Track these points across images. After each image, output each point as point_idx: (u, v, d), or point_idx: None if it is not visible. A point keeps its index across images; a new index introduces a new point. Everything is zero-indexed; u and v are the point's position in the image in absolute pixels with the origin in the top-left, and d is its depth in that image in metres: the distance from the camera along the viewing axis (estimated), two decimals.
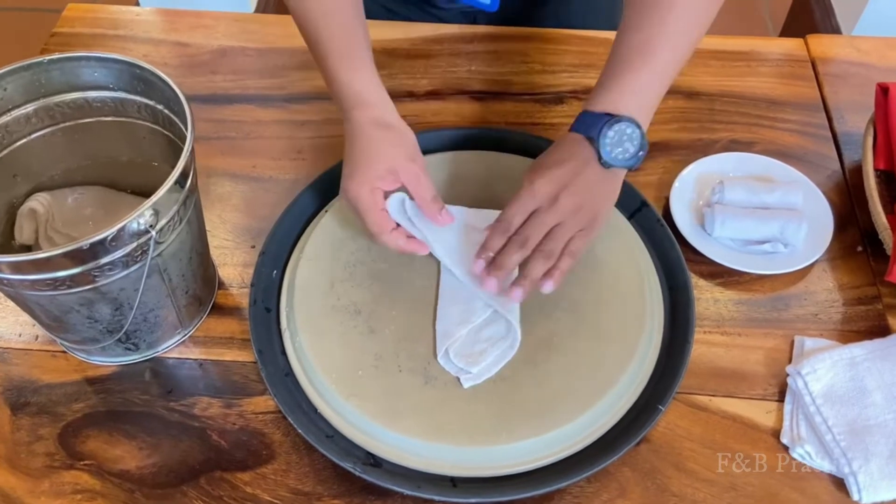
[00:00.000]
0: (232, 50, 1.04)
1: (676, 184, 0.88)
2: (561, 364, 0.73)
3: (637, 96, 0.74)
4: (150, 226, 0.61)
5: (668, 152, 0.93)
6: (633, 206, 0.85)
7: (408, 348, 0.74)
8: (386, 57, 1.03)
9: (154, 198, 0.61)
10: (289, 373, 0.75)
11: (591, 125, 0.73)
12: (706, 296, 0.81)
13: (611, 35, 0.78)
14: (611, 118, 0.72)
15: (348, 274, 0.79)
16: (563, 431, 0.69)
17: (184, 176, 0.65)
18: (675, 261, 0.81)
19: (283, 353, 0.77)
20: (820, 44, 1.03)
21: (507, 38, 1.05)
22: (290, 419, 0.70)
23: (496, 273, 0.73)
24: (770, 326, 0.79)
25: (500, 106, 0.98)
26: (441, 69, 1.02)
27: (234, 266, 0.84)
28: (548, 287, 0.71)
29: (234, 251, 0.85)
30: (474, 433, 0.69)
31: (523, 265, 0.72)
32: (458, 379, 0.72)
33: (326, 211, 0.84)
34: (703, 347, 0.78)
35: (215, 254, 0.84)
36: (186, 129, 0.66)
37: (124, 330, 0.69)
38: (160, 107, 0.73)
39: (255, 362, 0.75)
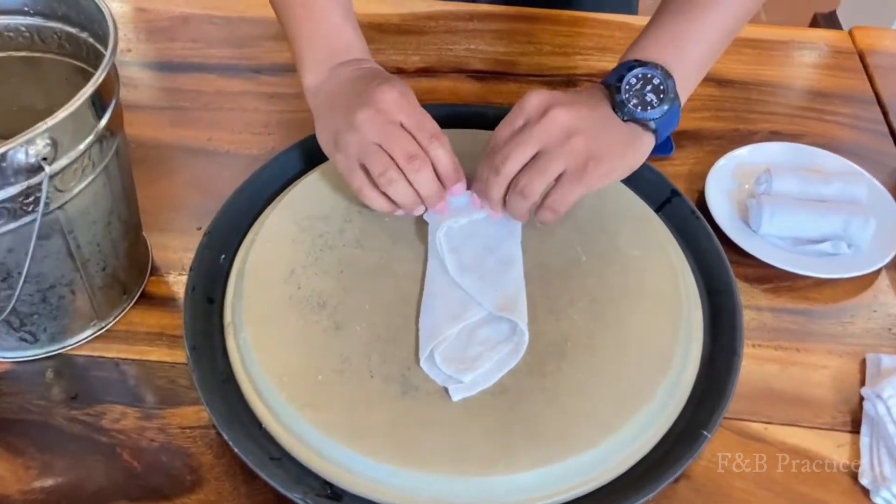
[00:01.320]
0: (195, 17, 0.91)
1: (712, 174, 0.74)
2: (577, 377, 0.57)
3: (674, 48, 0.61)
4: (44, 159, 0.46)
5: (698, 142, 0.79)
6: (662, 197, 0.71)
7: (382, 350, 0.58)
8: (373, 32, 0.89)
9: (52, 120, 0.46)
10: (229, 378, 0.59)
11: (614, 72, 0.61)
12: (752, 303, 0.66)
13: (631, 19, 0.65)
14: (635, 63, 0.60)
15: (313, 259, 0.64)
16: (578, 461, 0.53)
17: (101, 99, 0.50)
18: (715, 258, 0.66)
19: (225, 353, 0.61)
20: (867, 35, 0.91)
21: (511, 17, 0.92)
22: (225, 435, 0.53)
23: (489, 205, 0.63)
24: (834, 342, 0.64)
25: (503, 86, 0.84)
26: (436, 46, 0.88)
27: (174, 250, 0.68)
28: (539, 225, 0.62)
29: (177, 233, 0.70)
30: (464, 460, 0.53)
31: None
32: (446, 390, 0.56)
33: (295, 187, 0.70)
34: (753, 364, 0.62)
35: (153, 235, 0.69)
36: (108, 33, 0.51)
37: (12, 305, 0.53)
38: (85, 35, 0.58)
39: (186, 364, 0.59)
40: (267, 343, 0.58)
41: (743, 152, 0.75)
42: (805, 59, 0.89)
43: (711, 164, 0.74)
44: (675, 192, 0.71)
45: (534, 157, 0.59)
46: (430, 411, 0.55)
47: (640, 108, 0.60)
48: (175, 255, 0.68)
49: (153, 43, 0.88)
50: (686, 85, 0.61)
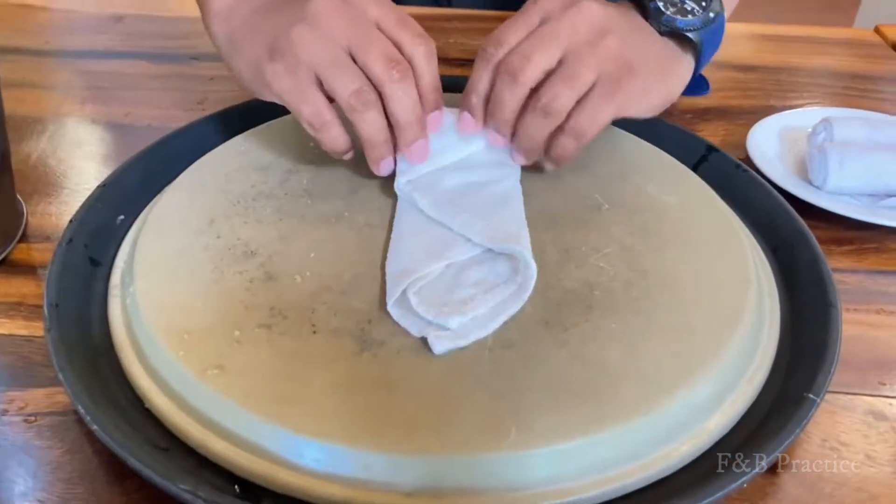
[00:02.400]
0: (130, 16, 0.79)
1: (752, 135, 0.59)
2: (612, 330, 0.39)
3: None
4: None
5: (727, 117, 0.65)
6: (695, 157, 0.56)
7: (332, 301, 0.40)
8: None
9: None
10: (104, 352, 0.41)
11: None
12: (832, 267, 0.49)
13: None
14: None
15: (242, 209, 0.47)
16: (625, 433, 0.34)
17: None
18: (775, 209, 0.50)
19: (104, 322, 0.42)
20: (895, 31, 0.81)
21: (492, 19, 0.81)
22: (86, 417, 0.34)
23: (494, 125, 0.47)
24: None
25: None
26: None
27: (56, 215, 0.51)
28: (549, 166, 0.48)
29: (64, 200, 0.53)
30: (453, 432, 0.34)
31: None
32: (424, 341, 0.38)
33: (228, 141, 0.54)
34: (855, 330, 0.45)
35: (34, 200, 0.52)
36: None
37: None
38: None
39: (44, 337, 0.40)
40: (163, 298, 0.40)
41: (786, 116, 0.62)
42: (833, 49, 0.78)
43: (745, 135, 0.60)
44: (711, 148, 0.56)
45: (557, 64, 0.44)
46: (402, 372, 0.37)
47: (679, 15, 0.48)
48: (57, 221, 0.51)
49: (77, 36, 0.75)
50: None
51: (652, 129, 0.57)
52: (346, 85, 0.43)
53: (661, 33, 0.49)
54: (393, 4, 0.46)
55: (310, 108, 0.45)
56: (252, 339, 0.38)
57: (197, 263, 0.43)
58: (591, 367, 0.37)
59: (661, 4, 0.48)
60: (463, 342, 0.38)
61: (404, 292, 0.40)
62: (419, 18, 0.79)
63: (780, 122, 0.61)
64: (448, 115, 0.48)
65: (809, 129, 0.57)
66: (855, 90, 0.70)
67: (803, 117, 0.60)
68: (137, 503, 0.34)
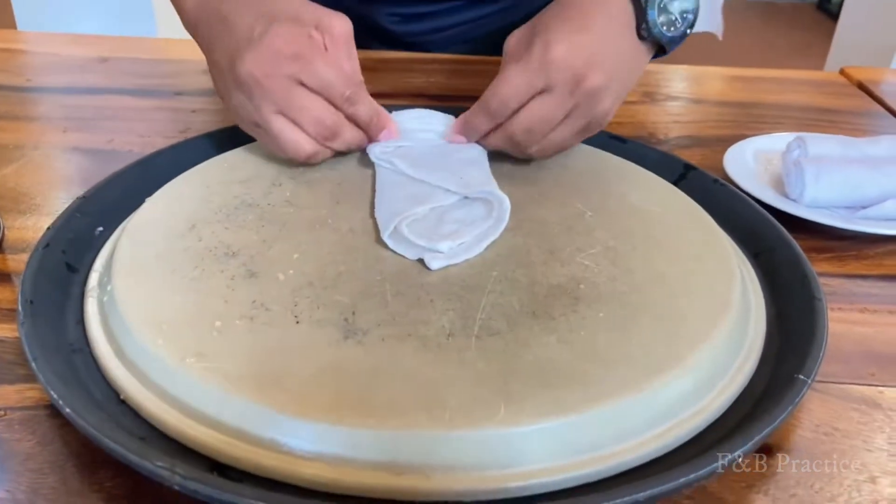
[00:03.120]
0: (115, 59, 0.80)
1: (729, 156, 0.60)
2: (600, 318, 0.39)
3: None
4: None
5: (702, 145, 0.67)
6: (674, 176, 0.57)
7: (315, 296, 0.40)
8: None
9: None
10: (80, 348, 0.39)
11: None
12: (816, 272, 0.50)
13: None
14: None
15: (224, 216, 0.47)
16: (617, 411, 0.34)
17: None
18: (754, 218, 0.51)
19: (79, 322, 0.41)
20: (860, 72, 0.83)
21: (474, 62, 0.83)
22: (59, 402, 0.33)
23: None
24: None
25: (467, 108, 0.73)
26: (392, 78, 0.78)
27: (34, 230, 0.50)
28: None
29: (43, 215, 0.52)
30: (442, 408, 0.33)
31: None
32: (422, 261, 0.43)
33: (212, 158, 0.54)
34: (842, 327, 0.45)
35: (12, 217, 0.51)
36: None
37: None
38: None
39: (16, 338, 0.39)
40: (141, 293, 0.40)
41: (760, 139, 0.63)
42: (801, 88, 0.80)
43: (720, 159, 0.61)
44: (689, 167, 0.57)
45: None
46: (386, 357, 0.36)
47: (666, 27, 0.51)
48: (34, 235, 0.50)
49: (60, 75, 0.75)
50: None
51: (631, 152, 0.59)
52: (287, 147, 0.49)
53: (642, 38, 0.51)
54: (312, 54, 0.47)
55: (274, 149, 0.50)
56: (233, 329, 0.37)
57: (177, 263, 0.42)
58: (581, 351, 0.36)
59: (655, 14, 0.50)
60: (455, 260, 0.42)
61: (395, 227, 0.44)
62: (398, 62, 0.82)
63: (754, 144, 0.62)
64: (412, 113, 0.56)
65: (783, 149, 0.58)
66: (824, 121, 0.72)
67: (776, 141, 0.62)
68: (110, 492, 0.32)
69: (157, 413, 0.35)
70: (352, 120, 0.50)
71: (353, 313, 0.39)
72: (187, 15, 0.54)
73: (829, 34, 2.01)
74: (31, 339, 0.37)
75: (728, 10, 0.73)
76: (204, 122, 0.66)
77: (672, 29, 0.51)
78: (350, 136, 0.50)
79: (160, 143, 0.62)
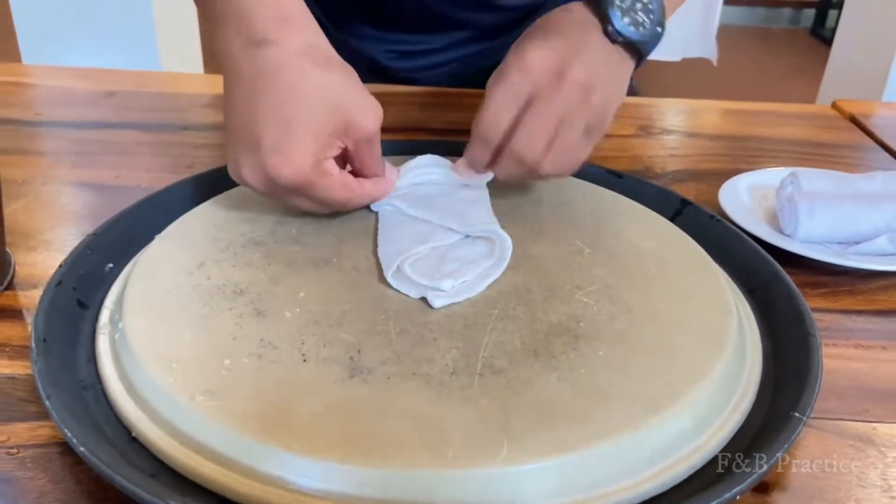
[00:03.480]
0: (122, 92, 0.81)
1: (724, 191, 0.61)
2: (600, 356, 0.40)
3: None
4: None
5: (697, 179, 0.68)
6: (670, 211, 0.58)
7: (322, 334, 0.41)
8: None
9: None
10: (91, 385, 0.40)
11: None
12: (810, 307, 0.51)
13: None
14: None
15: (231, 254, 0.48)
16: (617, 449, 0.35)
17: None
18: (749, 254, 0.52)
19: (91, 360, 0.42)
20: (852, 105, 0.85)
21: (472, 96, 0.85)
22: (73, 440, 0.34)
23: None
24: None
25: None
26: (392, 111, 0.79)
27: (44, 267, 0.51)
28: None
29: (53, 251, 0.53)
30: (446, 447, 0.34)
31: None
32: (425, 300, 0.44)
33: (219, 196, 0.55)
34: (836, 363, 0.46)
35: (22, 253, 0.52)
36: None
37: None
38: None
39: (28, 376, 0.40)
40: (153, 331, 0.41)
41: (754, 174, 0.64)
42: (794, 122, 0.82)
43: (716, 194, 0.63)
44: (685, 202, 0.58)
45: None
46: (391, 395, 0.37)
47: (633, 27, 0.51)
48: (44, 272, 0.51)
49: (69, 109, 0.77)
50: (668, 6, 0.53)
51: (627, 187, 0.60)
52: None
53: (614, 42, 0.51)
54: (314, 183, 0.46)
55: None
56: (241, 368, 0.38)
57: (186, 300, 0.43)
58: (581, 389, 0.37)
59: (619, 14, 0.51)
60: (457, 299, 0.43)
61: (398, 267, 0.45)
62: (396, 95, 0.83)
63: (749, 179, 0.63)
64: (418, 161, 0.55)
65: (777, 185, 0.59)
66: (818, 155, 0.73)
67: (771, 176, 0.63)
68: None
69: (167, 450, 0.36)
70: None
71: (359, 351, 0.40)
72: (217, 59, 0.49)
73: (823, 58, 2.04)
74: (44, 377, 0.38)
75: (724, 36, 0.74)
76: (210, 157, 0.67)
77: (641, 29, 0.51)
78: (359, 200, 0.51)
79: (167, 178, 0.63)
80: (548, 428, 0.35)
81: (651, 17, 0.51)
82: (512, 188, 0.57)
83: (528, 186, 0.58)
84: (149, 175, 0.64)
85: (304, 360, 0.39)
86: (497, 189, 0.55)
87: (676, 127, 0.79)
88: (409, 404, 0.36)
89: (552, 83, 0.48)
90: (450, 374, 0.38)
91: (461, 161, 0.54)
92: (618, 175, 0.61)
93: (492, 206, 0.53)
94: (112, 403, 0.39)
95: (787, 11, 4.54)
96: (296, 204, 0.49)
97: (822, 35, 4.22)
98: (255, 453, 0.34)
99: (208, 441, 0.35)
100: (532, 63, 0.48)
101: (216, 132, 0.73)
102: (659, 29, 0.52)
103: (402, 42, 0.84)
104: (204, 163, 0.66)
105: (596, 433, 0.35)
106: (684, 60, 3.30)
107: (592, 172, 0.61)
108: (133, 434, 0.37)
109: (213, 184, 0.58)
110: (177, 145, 0.70)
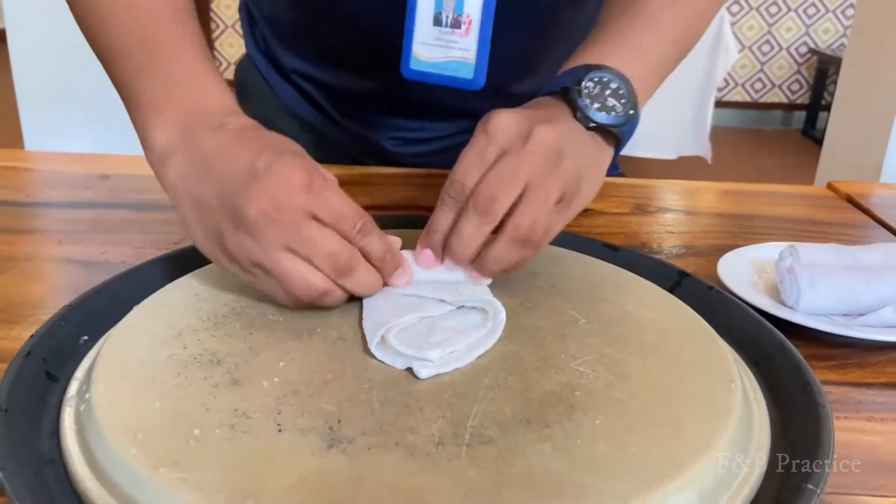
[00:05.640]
0: (116, 175, 0.81)
1: (723, 264, 0.60)
2: (595, 425, 0.37)
3: (625, 52, 0.54)
4: None
5: (695, 253, 0.67)
6: (669, 283, 0.56)
7: (299, 404, 0.38)
8: None
9: None
10: (52, 460, 0.38)
11: (562, 78, 0.52)
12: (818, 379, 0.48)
13: None
14: (588, 67, 0.52)
15: (211, 324, 0.46)
16: None
17: None
18: (752, 326, 0.50)
19: (54, 433, 0.40)
20: (849, 185, 0.85)
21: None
22: None
23: (454, 256, 0.48)
24: None
25: None
26: (389, 191, 0.79)
27: (18, 339, 0.49)
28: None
29: (32, 323, 0.51)
30: None
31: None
32: (410, 370, 0.41)
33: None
34: (847, 436, 0.43)
35: (1, 327, 0.51)
36: None
37: None
38: None
39: None
40: (120, 400, 0.38)
41: (753, 248, 0.63)
42: (791, 201, 0.81)
43: (714, 268, 0.61)
44: (683, 274, 0.56)
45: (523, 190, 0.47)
46: (371, 467, 0.34)
47: (603, 112, 0.51)
48: (17, 345, 0.48)
49: (60, 190, 0.77)
50: (645, 87, 0.53)
51: (624, 260, 0.58)
52: (298, 292, 0.45)
53: (588, 128, 0.50)
54: (329, 190, 0.45)
55: (274, 293, 0.46)
56: (212, 439, 0.36)
57: (159, 370, 0.41)
58: (577, 461, 0.35)
59: (587, 102, 0.50)
60: (444, 369, 0.41)
61: (383, 337, 0.42)
62: (393, 176, 0.83)
63: (748, 253, 0.62)
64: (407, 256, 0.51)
65: (777, 257, 0.58)
66: (814, 232, 0.72)
67: (770, 250, 0.62)
68: None
69: None
70: (365, 254, 0.47)
71: (339, 421, 0.37)
72: (156, 151, 0.50)
73: (815, 158, 2.07)
74: (2, 449, 0.35)
75: (718, 136, 0.75)
76: None
77: (613, 113, 0.50)
78: (364, 274, 0.46)
79: (154, 254, 0.61)
80: (541, 502, 0.32)
81: (622, 101, 0.51)
82: None
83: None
84: (135, 251, 0.63)
85: (280, 431, 0.36)
86: None
87: (673, 206, 0.79)
88: (391, 476, 0.34)
89: (520, 141, 0.47)
90: (435, 444, 0.36)
91: (424, 239, 0.50)
92: (614, 248, 0.60)
93: None
94: (72, 478, 0.36)
95: (778, 114, 4.66)
96: (310, 235, 0.44)
97: (813, 136, 4.31)
98: None
99: None
100: (499, 125, 0.47)
101: None
102: (632, 112, 0.51)
103: (407, 129, 0.85)
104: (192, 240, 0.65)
105: (603, 499, 0.32)
106: (680, 159, 3.37)
107: (588, 245, 0.60)
108: None
109: (196, 259, 0.57)
110: (166, 223, 0.69)
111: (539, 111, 0.50)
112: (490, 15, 0.61)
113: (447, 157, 0.88)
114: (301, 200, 0.44)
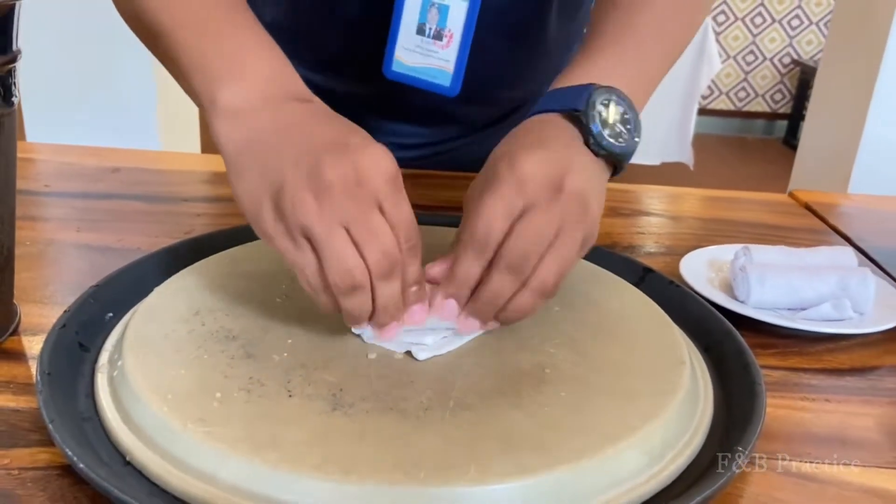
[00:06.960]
0: (126, 168, 0.86)
1: (684, 263, 0.66)
2: (562, 396, 0.44)
3: (625, 69, 0.56)
4: None
5: (661, 253, 0.73)
6: (634, 278, 0.62)
7: (307, 374, 0.44)
8: None
9: None
10: (89, 417, 0.43)
11: (573, 97, 0.52)
12: (762, 365, 0.54)
13: None
14: (597, 88, 0.52)
15: (225, 305, 0.52)
16: (580, 471, 0.38)
17: None
18: (704, 315, 0.56)
19: (89, 396, 0.45)
20: (809, 195, 0.91)
21: (462, 177, 0.91)
22: (77, 464, 0.37)
23: (481, 315, 0.48)
24: (870, 394, 0.52)
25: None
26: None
27: (48, 317, 0.55)
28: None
29: (55, 304, 0.57)
30: (418, 468, 0.37)
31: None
32: (409, 353, 0.47)
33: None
34: (783, 412, 0.49)
35: (27, 308, 0.56)
36: None
37: None
38: None
39: (32, 409, 0.44)
40: (149, 368, 0.44)
41: (712, 249, 0.69)
42: (752, 207, 0.88)
43: (677, 265, 0.67)
44: (647, 270, 0.63)
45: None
46: (369, 426, 0.40)
47: (613, 139, 0.52)
48: (47, 321, 0.54)
49: (75, 182, 0.82)
50: (641, 104, 0.57)
51: (595, 256, 0.64)
52: (340, 266, 0.43)
53: (597, 155, 0.51)
54: (404, 199, 0.45)
55: (303, 272, 0.44)
56: (232, 400, 0.41)
57: (182, 343, 0.47)
58: (542, 423, 0.41)
59: (599, 128, 0.51)
60: (440, 352, 0.47)
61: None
62: None
63: (707, 254, 0.68)
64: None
65: (734, 254, 0.64)
66: (773, 236, 0.79)
67: (727, 251, 0.68)
68: None
69: (160, 473, 0.38)
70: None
71: (341, 390, 0.43)
72: (229, 108, 0.49)
73: None
74: (48, 405, 0.41)
75: (701, 144, 0.80)
76: (206, 226, 0.72)
77: (621, 140, 0.52)
78: (396, 289, 0.45)
79: (166, 242, 0.67)
80: (511, 454, 0.38)
81: (628, 126, 0.52)
82: None
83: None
84: (149, 240, 0.68)
85: (290, 396, 0.42)
86: None
87: (645, 209, 0.85)
88: (386, 433, 0.40)
89: (550, 195, 0.46)
90: (424, 409, 0.42)
91: (454, 310, 0.48)
92: None
93: None
94: (109, 433, 0.42)
95: (761, 122, 4.75)
96: (373, 225, 0.43)
97: (794, 145, 4.40)
98: (243, 473, 0.37)
99: (199, 464, 0.38)
100: (527, 173, 0.46)
101: (213, 204, 0.77)
102: (637, 139, 0.52)
103: (401, 134, 0.89)
104: (202, 230, 0.71)
105: (555, 460, 0.38)
106: (663, 164, 3.45)
107: None
108: (128, 459, 0.40)
109: (211, 246, 0.62)
110: (176, 214, 0.74)
111: (559, 151, 0.49)
112: (471, 31, 0.64)
113: (440, 160, 0.94)
114: (381, 187, 0.44)
